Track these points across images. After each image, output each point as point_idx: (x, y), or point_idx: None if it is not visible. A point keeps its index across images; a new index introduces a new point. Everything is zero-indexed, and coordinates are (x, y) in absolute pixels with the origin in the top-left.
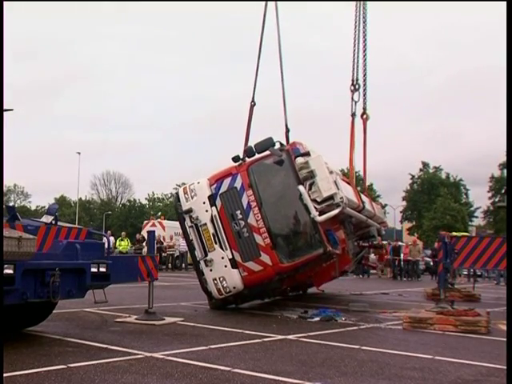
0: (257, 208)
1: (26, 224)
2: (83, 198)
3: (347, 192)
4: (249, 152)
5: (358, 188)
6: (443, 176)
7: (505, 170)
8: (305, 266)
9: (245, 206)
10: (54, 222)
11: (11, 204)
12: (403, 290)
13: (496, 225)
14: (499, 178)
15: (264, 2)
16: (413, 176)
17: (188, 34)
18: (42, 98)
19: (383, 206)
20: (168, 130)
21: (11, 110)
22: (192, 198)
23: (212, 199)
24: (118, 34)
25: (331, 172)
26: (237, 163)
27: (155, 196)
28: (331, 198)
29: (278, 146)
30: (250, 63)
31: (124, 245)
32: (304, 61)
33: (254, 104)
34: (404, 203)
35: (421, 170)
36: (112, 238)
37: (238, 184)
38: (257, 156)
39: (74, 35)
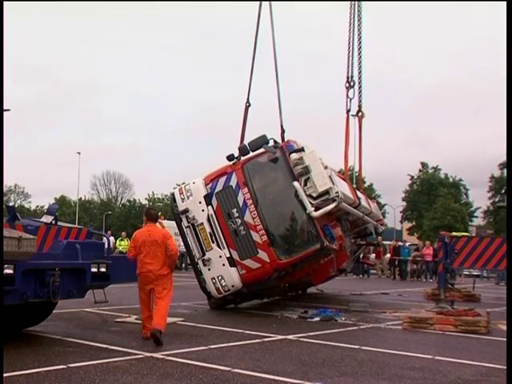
0: (253, 206)
1: (26, 224)
2: (83, 198)
3: (343, 187)
4: (243, 150)
5: (354, 186)
6: (442, 176)
7: (505, 170)
8: (303, 261)
9: (241, 204)
10: (54, 222)
11: (11, 204)
12: (403, 290)
13: (496, 225)
14: (499, 178)
15: (258, 3)
16: (412, 177)
17: (186, 37)
18: (45, 105)
19: (382, 206)
20: (168, 131)
21: (8, 110)
22: (188, 198)
23: (208, 198)
24: (117, 40)
25: (326, 167)
26: (231, 162)
27: (155, 196)
28: (327, 192)
29: (271, 143)
30: (248, 65)
31: (124, 245)
32: (299, 61)
33: (249, 105)
34: (404, 203)
35: (420, 170)
36: (112, 238)
37: (233, 182)
38: (251, 154)
39: (75, 42)
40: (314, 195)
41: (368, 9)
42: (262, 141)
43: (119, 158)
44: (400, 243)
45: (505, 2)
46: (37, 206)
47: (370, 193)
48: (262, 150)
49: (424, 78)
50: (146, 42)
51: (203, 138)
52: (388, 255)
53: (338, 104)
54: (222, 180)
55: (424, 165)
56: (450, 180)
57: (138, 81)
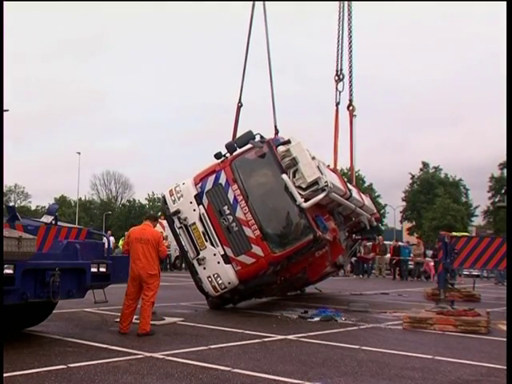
0: (243, 201)
1: (26, 224)
2: (83, 198)
3: (332, 178)
4: (230, 147)
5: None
6: (443, 176)
7: (505, 170)
8: (297, 254)
9: (231, 201)
10: (54, 222)
11: (11, 204)
12: (403, 290)
13: (496, 225)
14: (499, 178)
15: (251, 3)
16: (413, 176)
17: (185, 40)
18: (47, 111)
19: (383, 206)
20: (168, 132)
21: (7, 110)
22: (178, 199)
23: (198, 198)
24: (117, 46)
25: (313, 158)
26: (219, 160)
27: (155, 196)
28: (316, 183)
29: (258, 138)
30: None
31: None
32: (294, 60)
33: (241, 105)
34: (404, 203)
35: (421, 169)
36: (112, 238)
37: (222, 180)
38: (239, 151)
39: (77, 50)
40: (304, 186)
41: (359, 7)
42: (248, 136)
43: (119, 160)
44: (400, 243)
45: (505, 2)
46: (37, 206)
47: (370, 193)
48: (249, 145)
49: (417, 77)
50: (145, 47)
51: (203, 138)
52: (388, 255)
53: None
54: (212, 178)
55: (425, 164)
56: (450, 180)
57: (137, 84)
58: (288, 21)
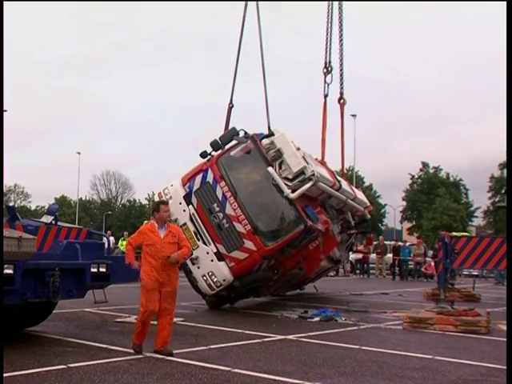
0: (232, 198)
1: (26, 224)
2: (83, 198)
3: (319, 169)
4: (215, 145)
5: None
6: (443, 176)
7: (505, 170)
8: (289, 245)
9: (220, 198)
10: (54, 222)
11: (11, 204)
12: (403, 290)
13: (496, 225)
14: (499, 177)
15: (244, 3)
16: (413, 176)
17: (185, 42)
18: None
19: (383, 206)
20: (169, 132)
21: (5, 110)
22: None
23: (187, 198)
24: (119, 43)
25: (298, 148)
26: (205, 159)
27: (155, 196)
28: (302, 173)
29: (242, 134)
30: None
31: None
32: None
33: (232, 106)
34: (404, 203)
35: (421, 170)
36: (112, 238)
37: (209, 178)
38: (224, 148)
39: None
40: (290, 177)
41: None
42: (232, 133)
43: (120, 160)
44: (400, 243)
45: (505, 2)
46: (37, 206)
47: (369, 193)
48: (233, 142)
49: (414, 76)
50: (145, 48)
51: (204, 139)
52: (389, 255)
53: (333, 104)
54: (199, 178)
55: (425, 164)
56: (451, 180)
57: (137, 86)
58: (279, 20)
